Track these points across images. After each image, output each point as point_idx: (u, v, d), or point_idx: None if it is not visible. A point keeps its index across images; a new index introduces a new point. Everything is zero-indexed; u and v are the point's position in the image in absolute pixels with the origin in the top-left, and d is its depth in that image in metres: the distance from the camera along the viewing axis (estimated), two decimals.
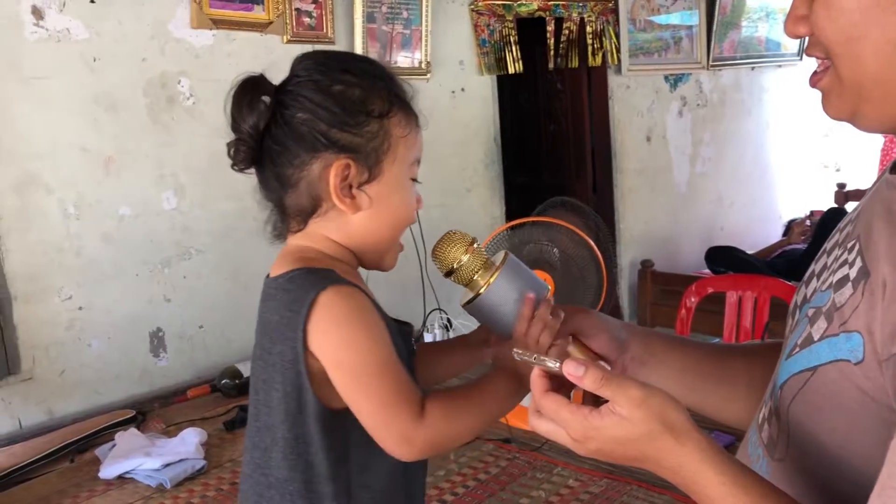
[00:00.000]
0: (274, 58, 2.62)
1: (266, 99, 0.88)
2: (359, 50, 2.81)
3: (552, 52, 3.58)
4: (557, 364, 0.68)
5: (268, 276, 0.93)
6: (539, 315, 0.93)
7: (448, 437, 0.88)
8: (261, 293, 0.93)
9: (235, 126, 0.88)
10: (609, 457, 0.68)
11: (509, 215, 3.44)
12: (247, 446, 0.95)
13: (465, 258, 0.94)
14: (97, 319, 2.30)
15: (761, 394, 0.78)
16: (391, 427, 0.85)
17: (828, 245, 0.73)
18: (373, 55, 2.85)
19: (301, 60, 0.92)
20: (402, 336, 0.93)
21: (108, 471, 1.83)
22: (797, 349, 0.68)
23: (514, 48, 3.34)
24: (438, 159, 3.13)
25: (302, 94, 0.89)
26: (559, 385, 0.71)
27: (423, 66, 3.02)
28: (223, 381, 2.24)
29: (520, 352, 0.73)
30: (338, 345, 0.85)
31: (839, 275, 0.66)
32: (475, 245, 0.96)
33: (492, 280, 0.93)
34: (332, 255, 0.92)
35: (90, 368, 2.29)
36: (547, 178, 4.24)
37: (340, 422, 0.88)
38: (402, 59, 2.97)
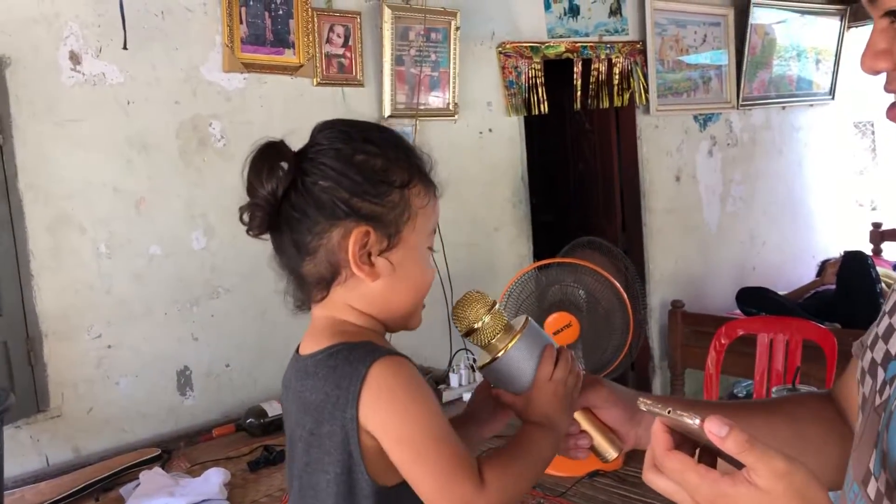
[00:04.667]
0: (304, 100, 2.67)
1: (285, 165, 0.88)
2: (387, 92, 2.85)
3: (580, 93, 3.59)
4: (697, 421, 0.63)
5: (296, 351, 0.93)
6: (564, 360, 0.94)
7: (507, 499, 0.87)
8: (291, 369, 0.93)
9: (252, 190, 0.88)
10: None
11: (537, 254, 3.43)
12: None
13: (485, 319, 0.93)
14: (126, 358, 2.32)
15: (798, 449, 0.76)
16: (454, 497, 0.84)
17: (887, 307, 0.71)
18: (401, 97, 2.89)
19: (322, 129, 0.92)
20: None
21: None
22: None
23: (540, 90, 3.36)
24: (466, 199, 3.14)
25: (323, 161, 0.89)
26: (679, 441, 0.67)
27: (451, 107, 3.05)
28: (248, 421, 2.24)
29: (648, 402, 0.69)
30: (397, 420, 0.84)
31: None
32: (496, 308, 0.95)
33: (511, 345, 0.93)
34: (362, 324, 0.92)
35: (117, 406, 2.31)
36: (575, 217, 4.23)
37: (394, 498, 0.87)
38: (430, 101, 3.00)
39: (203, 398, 2.46)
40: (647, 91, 3.78)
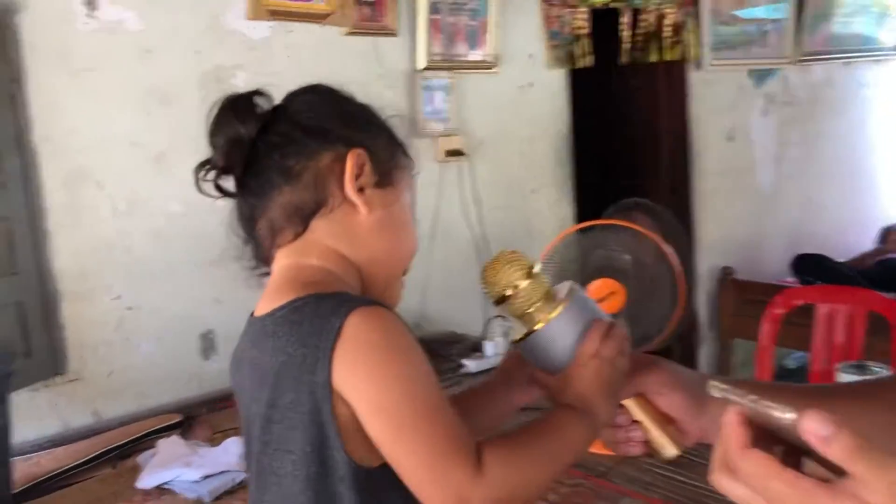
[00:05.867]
0: (333, 51, 2.51)
1: (263, 104, 0.80)
2: (422, 43, 2.68)
3: (627, 46, 3.38)
4: (790, 416, 0.49)
5: (251, 314, 0.80)
6: (615, 336, 0.79)
7: (512, 493, 0.71)
8: (243, 339, 0.80)
9: (227, 129, 0.78)
10: None
11: (579, 217, 3.27)
12: None
13: (522, 284, 0.78)
14: (146, 319, 2.23)
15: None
16: (443, 484, 0.68)
17: None
18: (437, 48, 2.72)
19: (294, 94, 0.84)
20: None
21: (147, 480, 1.74)
22: None
23: (585, 41, 3.16)
24: (504, 158, 2.98)
25: (306, 99, 0.82)
26: (756, 436, 0.52)
27: (491, 59, 2.87)
28: None
29: (721, 386, 0.54)
30: (377, 384, 0.69)
31: None
32: (535, 271, 0.80)
33: (552, 316, 0.78)
34: (339, 272, 0.78)
35: (138, 370, 2.22)
36: (620, 178, 4.04)
37: (376, 482, 0.72)
38: (468, 52, 2.82)
39: (227, 362, 2.35)
40: (699, 45, 3.55)
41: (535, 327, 0.79)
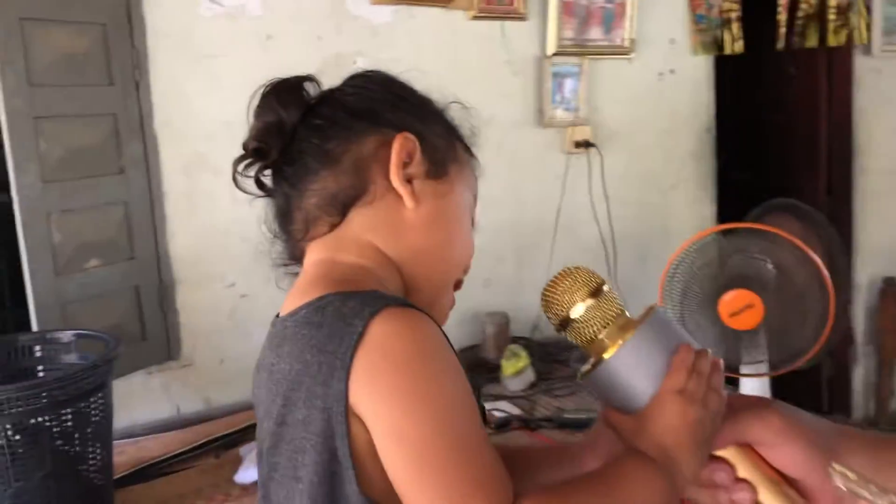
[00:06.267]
0: (457, 36, 2.40)
1: (310, 87, 0.72)
2: (553, 26, 2.51)
3: (783, 30, 3.07)
4: None
5: (277, 315, 0.69)
6: (705, 366, 0.64)
7: None
8: (266, 342, 0.69)
9: (270, 114, 0.72)
10: None
11: (721, 217, 3.01)
12: None
13: (586, 304, 0.65)
14: (259, 308, 2.20)
15: None
16: None
17: None
18: (568, 32, 2.55)
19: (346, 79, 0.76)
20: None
21: (243, 475, 1.72)
22: None
23: (735, 25, 2.89)
24: (639, 150, 2.77)
25: (357, 84, 0.73)
26: None
27: (627, 43, 2.67)
28: None
29: (848, 474, 0.43)
30: (400, 403, 0.56)
31: None
32: (605, 289, 0.66)
33: (624, 342, 0.64)
34: (377, 272, 0.66)
35: (250, 359, 2.17)
36: (771, 175, 3.70)
37: None
38: (602, 36, 2.63)
39: None
40: (868, 28, 3.18)
41: (604, 355, 0.65)
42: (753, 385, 1.65)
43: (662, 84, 2.83)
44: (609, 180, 2.61)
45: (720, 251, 1.71)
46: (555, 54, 2.53)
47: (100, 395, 1.52)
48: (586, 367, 0.67)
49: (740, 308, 1.50)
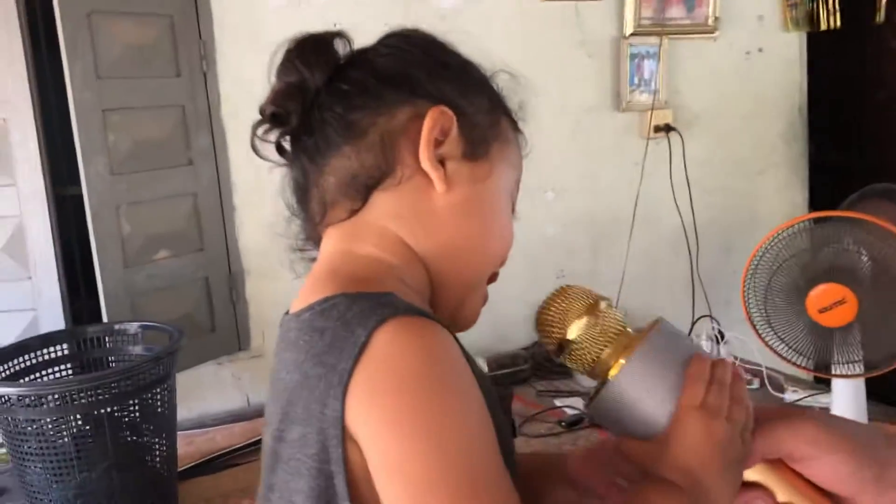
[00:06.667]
0: (529, 17, 2.32)
1: (342, 46, 0.65)
2: (630, 5, 2.40)
3: (885, 1, 2.85)
4: None
5: (287, 312, 0.63)
6: (725, 377, 0.56)
7: None
8: (277, 338, 0.63)
9: (292, 73, 0.63)
10: None
11: (814, 204, 2.83)
12: None
13: (583, 322, 0.58)
14: None
15: None
16: None
17: None
18: (647, 11, 2.43)
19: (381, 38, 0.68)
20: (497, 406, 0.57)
21: None
22: None
23: None
24: (724, 134, 2.62)
25: (393, 44, 0.65)
26: None
27: (711, 21, 2.53)
28: None
29: None
30: (401, 430, 0.49)
31: None
32: (602, 306, 0.59)
33: (628, 357, 0.57)
34: (399, 268, 0.59)
35: None
36: (870, 158, 3.46)
37: None
38: (683, 14, 2.50)
39: None
40: None
41: (609, 375, 0.58)
42: (847, 386, 1.52)
43: (750, 63, 2.66)
44: (691, 167, 2.47)
45: (811, 241, 1.58)
46: (633, 34, 2.41)
47: (164, 386, 1.52)
48: (592, 393, 0.60)
49: (831, 303, 1.37)
